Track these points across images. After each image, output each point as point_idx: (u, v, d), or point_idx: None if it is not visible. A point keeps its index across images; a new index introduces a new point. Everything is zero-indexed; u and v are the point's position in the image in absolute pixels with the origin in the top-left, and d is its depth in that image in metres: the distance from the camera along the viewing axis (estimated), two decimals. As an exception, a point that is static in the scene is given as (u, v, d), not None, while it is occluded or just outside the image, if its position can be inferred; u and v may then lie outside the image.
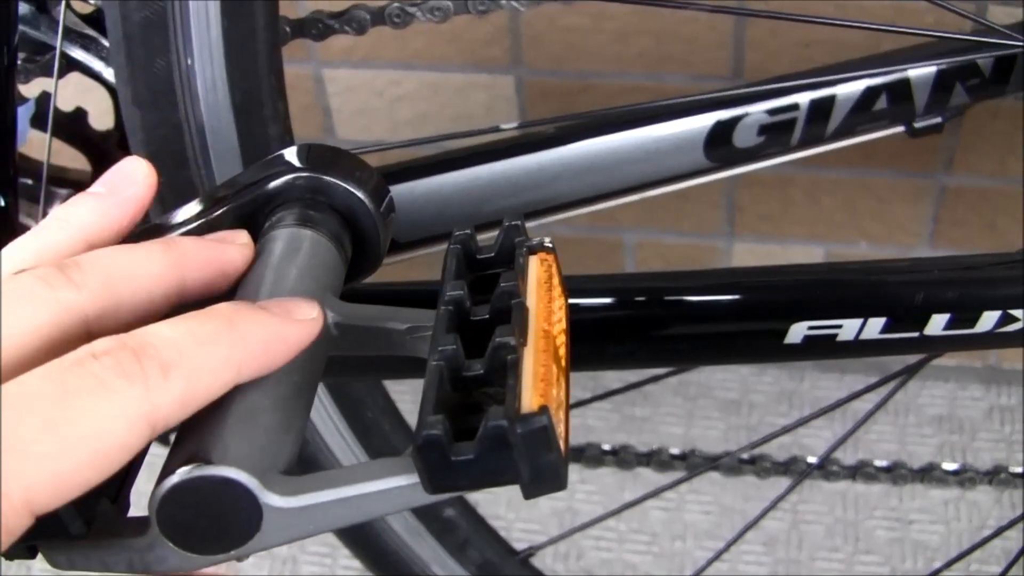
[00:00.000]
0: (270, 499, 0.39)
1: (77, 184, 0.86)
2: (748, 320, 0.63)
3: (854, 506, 1.43)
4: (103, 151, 0.84)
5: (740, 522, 1.40)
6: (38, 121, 0.81)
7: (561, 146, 0.73)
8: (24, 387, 0.35)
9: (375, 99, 1.36)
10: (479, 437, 0.37)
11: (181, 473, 0.38)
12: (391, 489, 0.40)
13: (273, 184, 0.50)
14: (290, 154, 0.51)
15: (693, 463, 0.95)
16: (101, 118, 0.85)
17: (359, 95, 1.36)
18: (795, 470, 0.98)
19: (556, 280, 0.45)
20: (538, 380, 0.39)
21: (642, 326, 0.62)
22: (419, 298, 0.56)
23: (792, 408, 1.52)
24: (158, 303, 0.42)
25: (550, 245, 0.47)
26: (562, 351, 0.42)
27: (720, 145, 0.76)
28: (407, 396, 0.85)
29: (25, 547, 0.41)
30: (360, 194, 0.50)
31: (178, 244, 0.44)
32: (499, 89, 1.32)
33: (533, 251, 0.47)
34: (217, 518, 0.39)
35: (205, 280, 0.44)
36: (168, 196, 0.65)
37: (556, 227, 0.89)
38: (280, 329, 0.41)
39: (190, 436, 0.40)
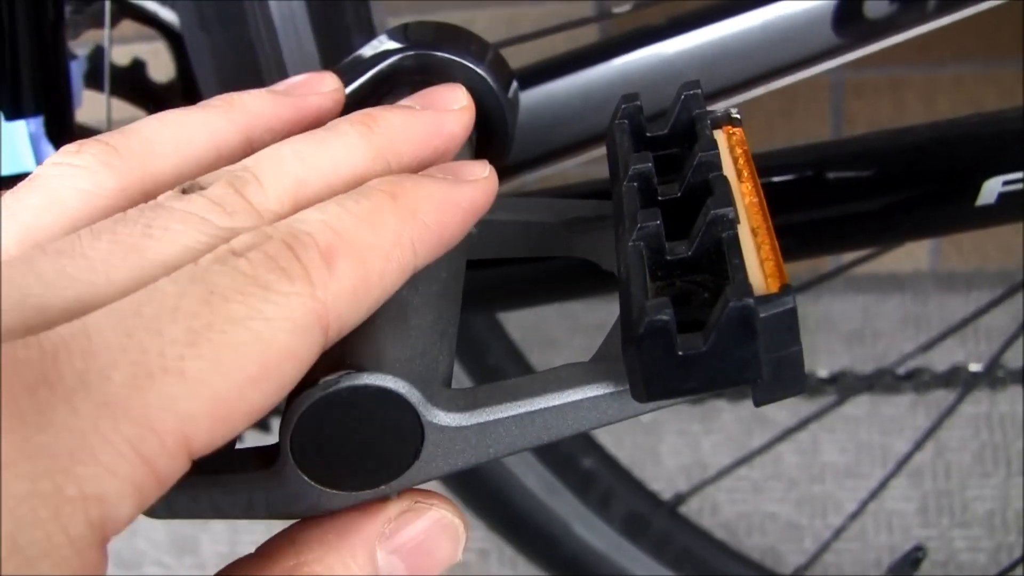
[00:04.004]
0: (436, 416, 0.31)
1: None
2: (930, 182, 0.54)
3: (1000, 428, 1.32)
4: (166, 104, 0.76)
5: (880, 457, 1.31)
6: (92, 79, 0.73)
7: (681, 35, 0.65)
8: (156, 292, 0.27)
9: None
10: (716, 323, 0.29)
11: (324, 384, 0.30)
12: (591, 399, 0.32)
13: (376, 70, 0.42)
14: (387, 37, 0.43)
15: (845, 385, 0.86)
16: (160, 70, 0.78)
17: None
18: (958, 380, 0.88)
19: (748, 157, 0.38)
20: (764, 259, 0.31)
21: (811, 204, 0.54)
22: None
23: (920, 333, 1.42)
24: None
25: (738, 116, 0.39)
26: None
27: (850, 19, 0.66)
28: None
29: None
30: (479, 70, 0.42)
31: (382, 121, 0.35)
32: None
33: (718, 124, 0.39)
34: (366, 443, 0.31)
35: (417, 170, 0.35)
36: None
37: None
38: (452, 193, 0.33)
39: None
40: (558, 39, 0.69)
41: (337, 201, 0.31)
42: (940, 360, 1.13)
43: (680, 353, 0.29)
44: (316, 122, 0.37)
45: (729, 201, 0.32)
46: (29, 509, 0.23)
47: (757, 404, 0.31)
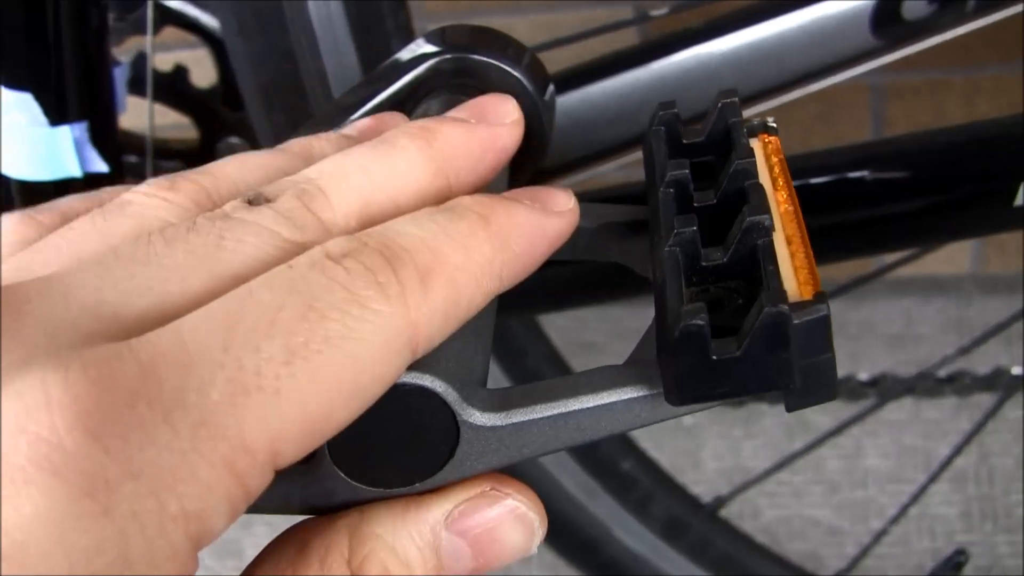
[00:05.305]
0: (472, 416, 0.31)
1: (184, 155, 0.79)
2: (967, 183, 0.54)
3: (1045, 433, 1.31)
4: (208, 110, 0.77)
5: (923, 462, 1.30)
6: (135, 85, 0.74)
7: (719, 38, 0.65)
8: (251, 300, 0.26)
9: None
10: (750, 329, 0.29)
11: None
12: (625, 402, 0.32)
13: (413, 74, 0.42)
14: (424, 40, 0.44)
15: (887, 388, 0.86)
16: (203, 76, 0.79)
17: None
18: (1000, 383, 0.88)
19: (784, 166, 0.37)
20: (799, 267, 0.31)
21: (848, 205, 0.54)
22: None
23: (962, 338, 1.41)
24: None
25: (774, 125, 0.39)
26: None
27: (888, 20, 0.66)
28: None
29: None
30: (515, 73, 0.43)
31: (440, 135, 0.34)
32: None
33: (754, 132, 0.39)
34: (402, 441, 0.31)
35: (474, 185, 0.35)
36: (286, 134, 0.58)
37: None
38: (542, 224, 0.33)
39: None
40: (597, 44, 0.69)
41: (431, 217, 0.30)
42: (982, 363, 1.13)
43: (714, 358, 0.29)
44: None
45: (765, 208, 0.32)
46: (138, 527, 0.23)
47: (789, 410, 0.31)
